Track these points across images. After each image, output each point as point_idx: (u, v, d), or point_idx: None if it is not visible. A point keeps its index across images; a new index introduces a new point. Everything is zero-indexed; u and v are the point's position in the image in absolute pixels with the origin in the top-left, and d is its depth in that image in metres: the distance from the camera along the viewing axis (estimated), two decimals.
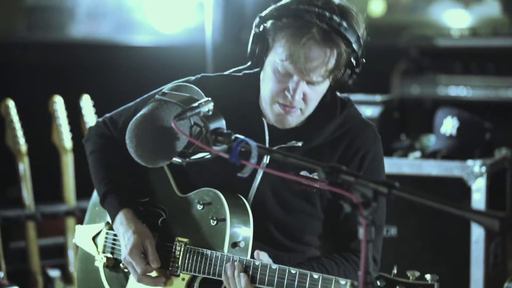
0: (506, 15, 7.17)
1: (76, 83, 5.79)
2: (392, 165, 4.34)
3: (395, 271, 2.23)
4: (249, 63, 2.70)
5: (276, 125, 2.67)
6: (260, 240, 2.69)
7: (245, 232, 2.66)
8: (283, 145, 2.67)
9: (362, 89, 2.90)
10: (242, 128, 2.45)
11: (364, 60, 2.62)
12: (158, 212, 2.83)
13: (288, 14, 2.55)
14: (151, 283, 2.75)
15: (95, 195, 2.98)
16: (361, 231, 1.93)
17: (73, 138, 4.76)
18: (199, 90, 2.57)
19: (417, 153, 4.57)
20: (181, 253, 2.71)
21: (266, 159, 2.70)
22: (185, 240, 2.72)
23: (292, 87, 2.57)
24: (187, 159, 2.41)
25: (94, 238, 2.96)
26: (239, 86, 2.76)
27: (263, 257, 2.57)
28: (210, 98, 2.35)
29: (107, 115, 2.96)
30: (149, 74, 5.81)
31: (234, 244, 2.64)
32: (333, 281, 2.40)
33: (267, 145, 2.69)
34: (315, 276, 2.43)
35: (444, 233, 4.26)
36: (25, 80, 5.89)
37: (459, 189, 4.25)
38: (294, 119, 2.64)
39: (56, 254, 4.98)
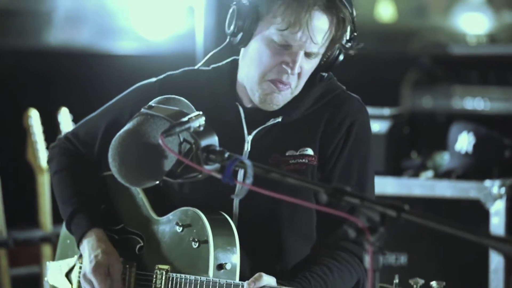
0: None
1: (53, 95, 5.80)
2: (402, 186, 4.35)
3: (396, 280, 2.25)
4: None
5: (262, 106, 2.68)
6: (249, 255, 2.69)
7: (231, 252, 2.65)
8: (263, 126, 2.70)
9: (369, 101, 2.91)
10: (216, 118, 2.44)
11: (357, 43, 2.68)
12: (134, 239, 2.82)
13: None
14: None
15: (65, 227, 2.92)
16: (367, 259, 1.93)
17: None
18: (189, 103, 2.56)
19: (430, 173, 4.58)
20: (163, 281, 2.71)
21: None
22: (166, 267, 2.72)
23: (291, 59, 2.61)
24: (177, 180, 2.42)
25: (67, 275, 2.95)
26: (207, 77, 2.80)
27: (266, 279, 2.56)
28: (201, 112, 2.34)
29: (69, 130, 2.98)
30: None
31: (219, 267, 2.62)
32: None
33: (245, 129, 2.73)
34: None
35: (460, 261, 4.27)
36: None
37: (476, 212, 4.26)
38: (284, 98, 2.67)
39: (30, 285, 4.97)
